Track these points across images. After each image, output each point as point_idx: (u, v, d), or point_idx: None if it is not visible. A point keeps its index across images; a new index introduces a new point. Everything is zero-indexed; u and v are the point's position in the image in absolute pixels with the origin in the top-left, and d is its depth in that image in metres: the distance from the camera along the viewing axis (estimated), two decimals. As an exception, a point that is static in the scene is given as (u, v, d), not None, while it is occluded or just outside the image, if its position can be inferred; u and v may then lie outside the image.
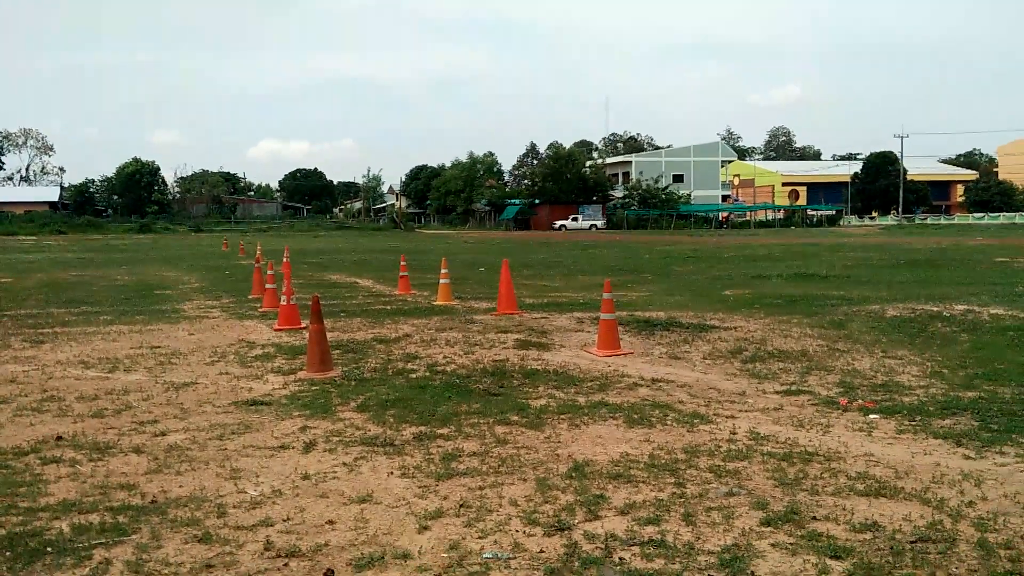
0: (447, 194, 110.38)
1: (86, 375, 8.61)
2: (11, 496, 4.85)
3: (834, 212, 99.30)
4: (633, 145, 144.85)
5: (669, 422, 6.45)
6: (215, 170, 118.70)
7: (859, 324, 11.38)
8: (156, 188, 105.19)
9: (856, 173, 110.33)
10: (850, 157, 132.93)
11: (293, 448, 5.84)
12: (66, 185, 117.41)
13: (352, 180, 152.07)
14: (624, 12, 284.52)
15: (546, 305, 14.28)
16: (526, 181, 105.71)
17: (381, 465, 5.41)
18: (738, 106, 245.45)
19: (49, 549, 4.06)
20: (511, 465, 5.36)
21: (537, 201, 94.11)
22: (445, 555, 3.96)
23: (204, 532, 4.26)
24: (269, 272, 14.59)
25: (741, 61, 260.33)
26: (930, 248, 34.06)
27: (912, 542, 4.02)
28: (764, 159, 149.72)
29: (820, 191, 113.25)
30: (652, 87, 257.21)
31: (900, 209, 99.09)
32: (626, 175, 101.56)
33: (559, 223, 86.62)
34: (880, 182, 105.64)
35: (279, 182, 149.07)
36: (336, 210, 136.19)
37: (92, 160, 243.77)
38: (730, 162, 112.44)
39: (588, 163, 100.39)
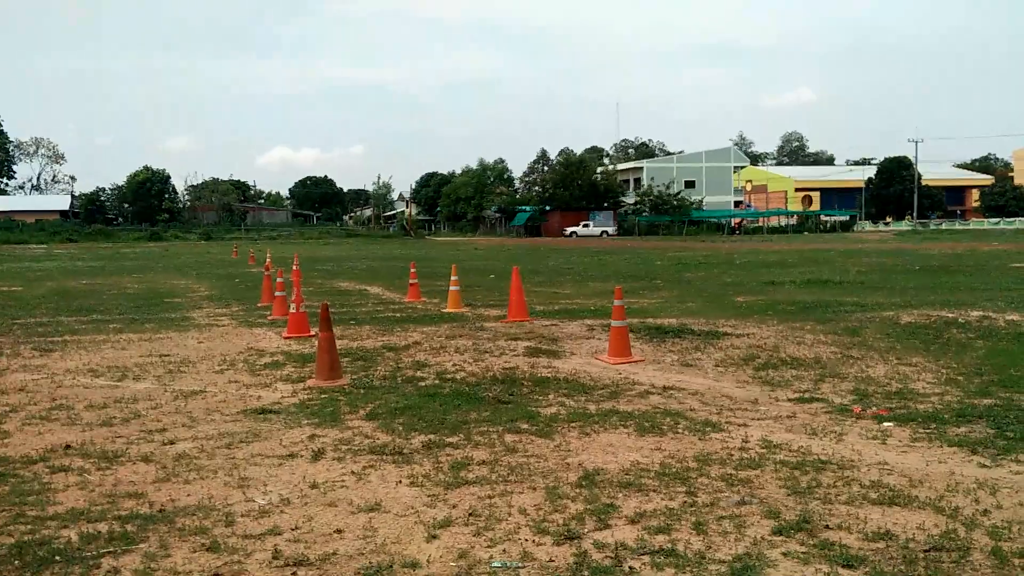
0: (457, 201, 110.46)
1: (95, 383, 8.62)
2: (20, 505, 4.84)
3: (848, 218, 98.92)
4: (644, 151, 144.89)
5: (680, 430, 6.41)
6: (225, 178, 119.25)
7: (873, 331, 11.29)
8: (167, 196, 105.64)
9: (870, 178, 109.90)
10: (864, 162, 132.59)
11: (302, 456, 5.82)
12: (77, 194, 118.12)
13: (362, 187, 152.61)
14: (634, 17, 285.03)
15: (557, 312, 14.24)
16: (536, 188, 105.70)
17: (390, 474, 5.38)
18: (750, 111, 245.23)
19: (57, 558, 4.05)
20: (521, 474, 5.32)
21: (548, 208, 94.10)
22: (454, 564, 3.93)
23: (212, 541, 4.24)
24: (279, 280, 14.60)
25: (753, 66, 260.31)
26: (945, 254, 33.87)
27: (926, 551, 3.97)
28: (777, 164, 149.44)
29: (834, 196, 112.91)
30: (663, 92, 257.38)
31: (915, 214, 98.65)
32: (637, 181, 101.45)
33: (570, 230, 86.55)
34: (894, 187, 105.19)
35: (289, 190, 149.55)
36: (346, 217, 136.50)
37: (103, 169, 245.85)
38: (742, 167, 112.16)
39: (599, 169, 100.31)
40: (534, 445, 6.01)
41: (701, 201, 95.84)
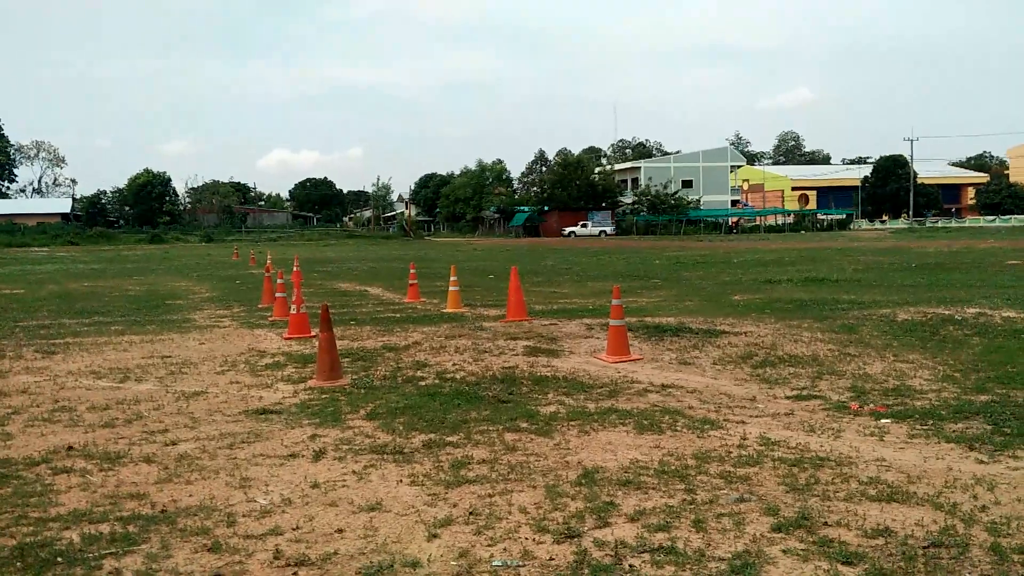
0: (456, 202, 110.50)
1: (97, 385, 8.64)
2: (22, 506, 4.86)
3: (844, 216, 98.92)
4: (642, 151, 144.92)
5: (679, 428, 6.43)
6: (226, 180, 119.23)
7: (870, 328, 11.33)
8: (167, 199, 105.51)
9: (866, 177, 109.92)
10: (860, 161, 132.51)
11: (303, 456, 5.84)
12: (78, 197, 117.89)
13: (362, 189, 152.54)
14: (632, 18, 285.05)
15: (555, 312, 14.27)
16: (535, 188, 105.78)
17: (390, 473, 5.40)
18: (747, 111, 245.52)
19: (59, 559, 4.07)
20: (520, 472, 5.34)
21: (546, 208, 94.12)
22: (454, 563, 3.95)
23: (214, 541, 4.27)
24: (279, 281, 14.63)
25: (750, 66, 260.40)
26: (941, 251, 33.90)
27: (924, 547, 4.00)
28: (773, 164, 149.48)
29: (830, 195, 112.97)
30: (660, 93, 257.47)
31: (911, 212, 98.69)
32: (635, 181, 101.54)
33: (568, 230, 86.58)
34: (890, 186, 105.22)
35: (289, 192, 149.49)
36: (346, 219, 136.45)
37: (103, 171, 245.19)
38: (739, 167, 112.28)
39: (597, 169, 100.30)
40: (534, 444, 6.04)
41: (698, 201, 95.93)
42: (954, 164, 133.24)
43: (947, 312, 12.50)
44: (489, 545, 4.16)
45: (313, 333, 11.27)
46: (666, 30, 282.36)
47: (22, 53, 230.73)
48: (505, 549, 4.11)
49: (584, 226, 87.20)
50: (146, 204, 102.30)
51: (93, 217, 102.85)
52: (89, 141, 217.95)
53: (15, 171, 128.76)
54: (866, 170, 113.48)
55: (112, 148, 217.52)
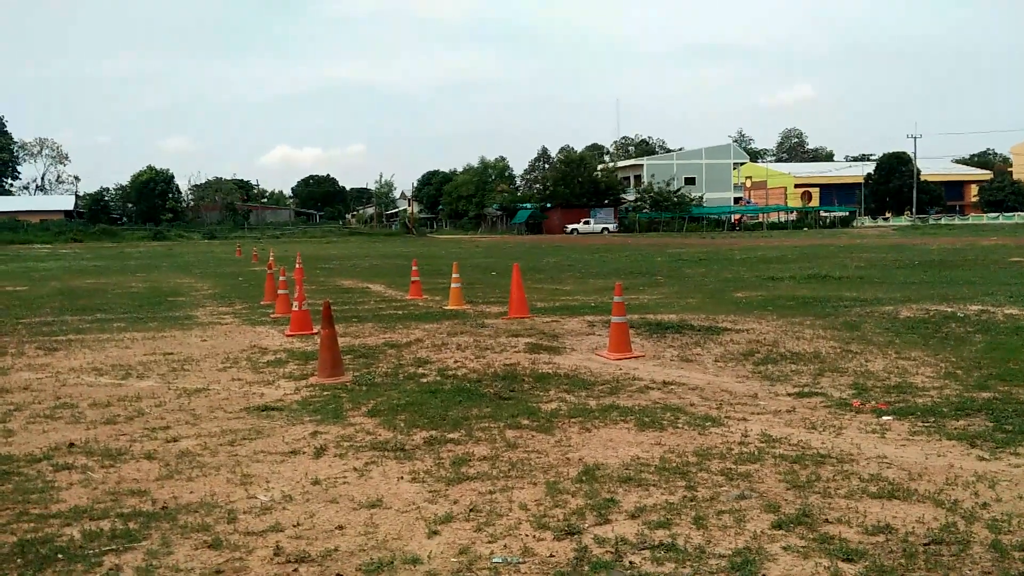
0: (459, 199, 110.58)
1: (99, 382, 8.65)
2: (23, 503, 4.87)
3: (847, 213, 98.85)
4: (645, 148, 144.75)
5: (680, 425, 6.43)
6: (228, 177, 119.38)
7: (872, 325, 11.31)
8: (170, 196, 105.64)
9: (869, 174, 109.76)
10: (863, 158, 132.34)
11: (304, 453, 5.85)
12: (81, 194, 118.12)
13: (364, 186, 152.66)
14: (634, 15, 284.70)
15: (557, 309, 14.26)
16: (538, 185, 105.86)
17: (391, 470, 5.40)
18: (750, 108, 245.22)
19: (60, 556, 4.07)
20: (521, 469, 5.34)
21: (549, 205, 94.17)
22: (455, 560, 3.95)
23: (214, 538, 4.27)
24: (281, 278, 14.63)
25: (752, 63, 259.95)
26: (944, 248, 33.86)
27: (925, 544, 3.99)
28: (776, 161, 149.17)
29: (833, 192, 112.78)
30: (663, 90, 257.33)
31: (914, 210, 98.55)
32: (638, 178, 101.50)
33: (571, 227, 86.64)
34: (893, 183, 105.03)
35: (292, 189, 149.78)
36: (348, 216, 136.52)
37: (106, 169, 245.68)
38: (742, 164, 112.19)
39: (599, 166, 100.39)
40: (535, 441, 6.04)
41: (701, 198, 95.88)
42: (957, 161, 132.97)
43: (949, 309, 12.48)
44: (489, 542, 4.16)
45: (315, 330, 11.28)
46: (669, 27, 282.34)
47: (25, 51, 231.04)
48: (505, 546, 4.11)
49: (587, 223, 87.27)
50: (149, 201, 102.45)
51: (96, 214, 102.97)
52: (92, 138, 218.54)
53: (18, 168, 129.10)
54: (869, 167, 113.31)
55: (115, 145, 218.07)
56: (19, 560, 4.03)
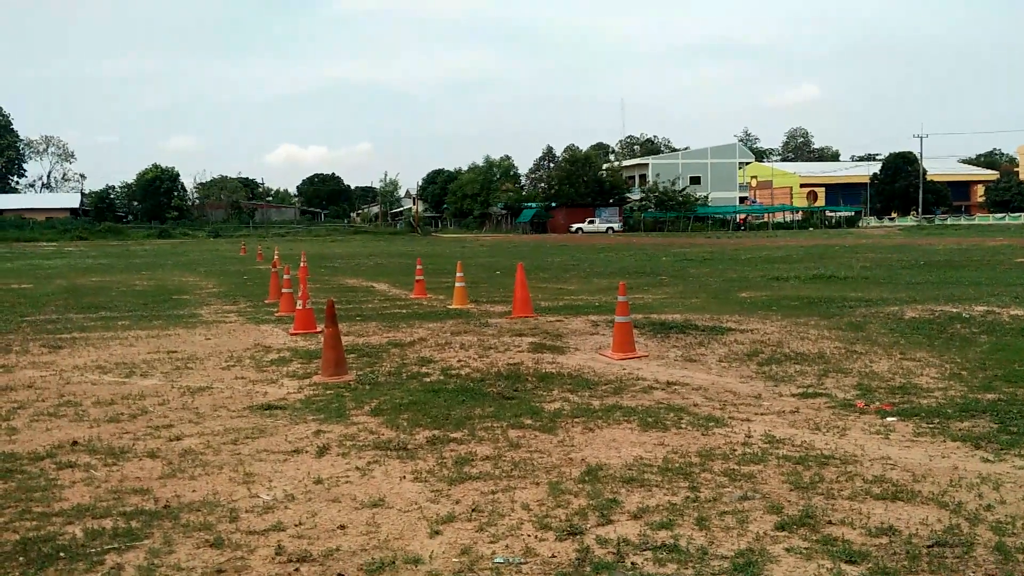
0: (464, 198, 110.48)
1: (103, 380, 8.66)
2: (26, 501, 4.87)
3: (853, 213, 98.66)
4: (650, 147, 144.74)
5: (684, 425, 6.41)
6: (233, 176, 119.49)
7: (877, 326, 11.28)
8: (175, 194, 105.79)
9: (875, 174, 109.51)
10: (869, 158, 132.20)
11: (306, 452, 5.84)
12: (87, 192, 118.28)
13: (369, 185, 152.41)
14: (640, 13, 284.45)
15: (561, 308, 14.25)
16: (542, 184, 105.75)
17: (394, 469, 5.40)
18: (755, 107, 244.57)
19: (62, 554, 4.08)
20: (524, 469, 5.34)
21: (553, 204, 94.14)
22: (456, 560, 3.95)
23: (216, 537, 4.27)
24: (286, 277, 14.64)
25: (758, 62, 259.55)
26: (950, 249, 33.78)
27: (929, 546, 3.97)
28: (782, 160, 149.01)
29: (839, 192, 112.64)
30: (668, 89, 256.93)
31: (920, 210, 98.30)
32: (643, 177, 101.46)
33: (575, 226, 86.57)
34: (899, 183, 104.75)
35: (297, 187, 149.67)
36: (353, 215, 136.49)
37: (112, 167, 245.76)
38: (747, 164, 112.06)
39: (604, 166, 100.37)
40: (538, 440, 6.03)
41: (706, 197, 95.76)
42: (963, 161, 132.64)
43: (955, 310, 12.45)
44: (491, 542, 4.16)
45: (319, 329, 11.28)
46: (674, 26, 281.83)
47: (31, 49, 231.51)
48: (507, 546, 4.10)
49: (591, 222, 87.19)
50: (154, 199, 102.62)
51: (102, 212, 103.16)
52: (98, 137, 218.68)
53: (24, 166, 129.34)
54: (875, 167, 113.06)
55: (121, 143, 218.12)
56: (21, 558, 4.03)
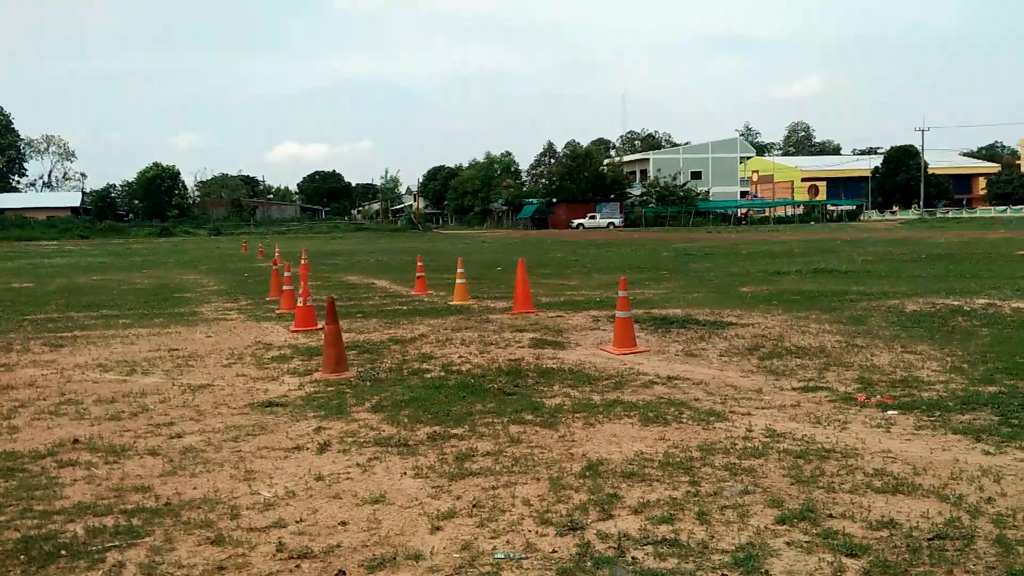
0: (465, 194, 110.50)
1: (104, 378, 8.67)
2: (27, 499, 4.88)
3: (854, 207, 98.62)
4: (651, 142, 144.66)
5: (685, 420, 6.41)
6: (234, 174, 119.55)
7: (878, 319, 11.28)
8: (176, 192, 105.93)
9: (876, 167, 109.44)
10: (870, 151, 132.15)
11: (307, 449, 5.85)
12: (88, 190, 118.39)
13: (370, 182, 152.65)
14: (640, 8, 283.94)
15: (562, 304, 14.25)
16: (543, 180, 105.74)
17: (395, 465, 5.40)
18: (756, 102, 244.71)
19: (63, 552, 4.08)
20: (525, 465, 5.34)
21: (554, 200, 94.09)
22: (457, 555, 3.95)
23: (217, 534, 4.27)
24: (286, 274, 14.64)
25: (759, 56, 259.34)
26: (951, 242, 33.74)
27: (930, 539, 3.97)
28: (783, 155, 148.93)
29: (840, 186, 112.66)
30: (670, 84, 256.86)
31: (921, 203, 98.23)
32: (644, 172, 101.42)
33: (577, 222, 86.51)
34: (901, 176, 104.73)
35: (298, 185, 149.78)
36: (354, 212, 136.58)
37: (113, 165, 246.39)
38: (749, 158, 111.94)
39: (605, 161, 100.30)
40: (538, 436, 6.03)
41: (707, 192, 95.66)
42: (965, 154, 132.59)
43: (956, 303, 12.43)
44: (492, 537, 4.16)
45: (319, 326, 11.28)
46: (675, 21, 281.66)
47: (32, 48, 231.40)
48: (508, 541, 4.10)
49: (592, 218, 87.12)
50: (155, 198, 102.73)
51: (103, 211, 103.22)
52: (99, 135, 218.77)
53: (25, 165, 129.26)
54: (876, 160, 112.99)
55: (122, 142, 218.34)
56: (23, 556, 4.04)
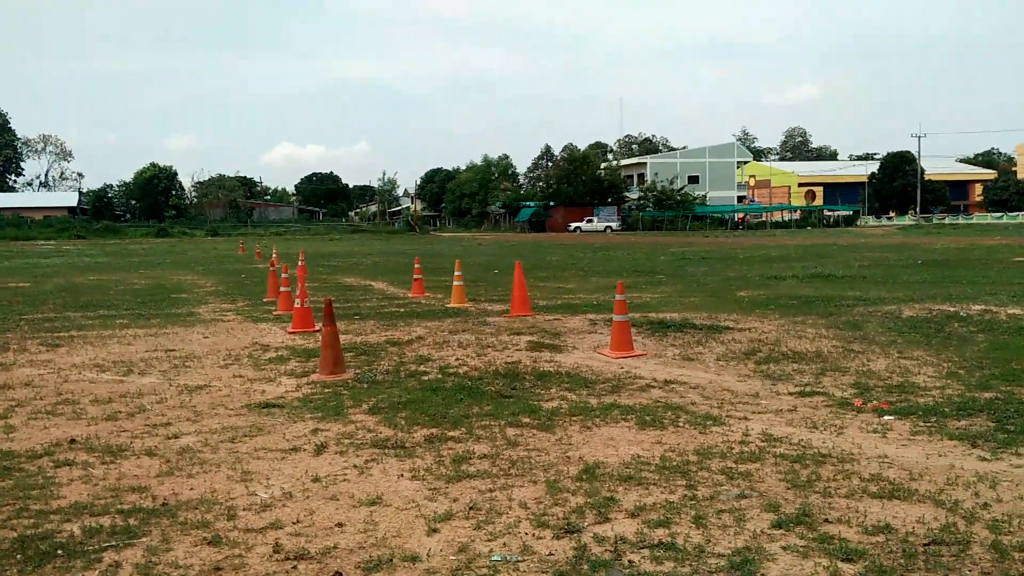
0: (462, 197, 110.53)
1: (101, 378, 8.66)
2: (23, 499, 4.87)
3: (851, 212, 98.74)
4: (648, 146, 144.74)
5: (681, 424, 6.42)
6: (231, 175, 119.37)
7: (875, 325, 11.30)
8: (173, 193, 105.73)
9: (873, 173, 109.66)
10: (867, 157, 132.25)
11: (304, 450, 5.85)
12: (84, 190, 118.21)
13: (367, 184, 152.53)
14: (638, 13, 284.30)
15: (559, 307, 14.26)
16: (541, 183, 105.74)
17: (392, 467, 5.40)
18: (754, 106, 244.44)
19: (59, 552, 4.08)
20: (521, 467, 5.34)
21: (552, 203, 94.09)
22: (454, 558, 3.95)
23: (214, 535, 4.27)
24: (284, 275, 14.64)
25: (756, 61, 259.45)
26: (947, 248, 33.80)
27: (925, 545, 3.98)
28: (780, 160, 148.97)
29: (837, 191, 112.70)
30: (667, 89, 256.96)
31: (918, 209, 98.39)
32: (641, 176, 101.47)
33: (574, 225, 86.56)
34: (897, 182, 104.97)
35: (295, 186, 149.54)
36: (351, 213, 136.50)
37: (110, 165, 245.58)
38: (746, 163, 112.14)
39: (603, 165, 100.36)
40: (535, 439, 6.04)
41: (704, 196, 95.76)
42: (962, 161, 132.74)
43: (952, 309, 12.46)
44: (489, 540, 4.16)
45: (317, 327, 11.28)
46: (673, 26, 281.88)
47: (29, 47, 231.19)
48: (504, 544, 4.11)
49: (590, 222, 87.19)
50: (152, 198, 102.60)
51: (99, 211, 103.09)
52: (96, 135, 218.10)
53: (22, 165, 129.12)
54: (873, 166, 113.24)
55: (119, 143, 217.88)
56: (19, 556, 4.04)
